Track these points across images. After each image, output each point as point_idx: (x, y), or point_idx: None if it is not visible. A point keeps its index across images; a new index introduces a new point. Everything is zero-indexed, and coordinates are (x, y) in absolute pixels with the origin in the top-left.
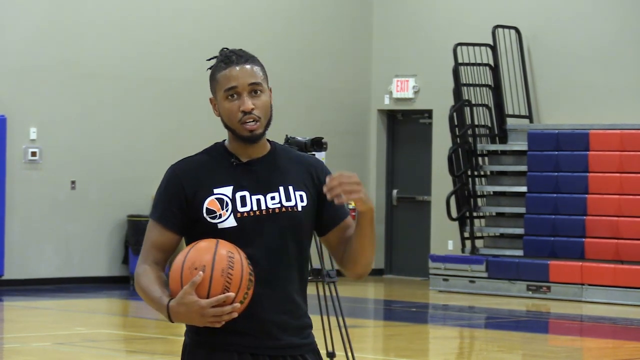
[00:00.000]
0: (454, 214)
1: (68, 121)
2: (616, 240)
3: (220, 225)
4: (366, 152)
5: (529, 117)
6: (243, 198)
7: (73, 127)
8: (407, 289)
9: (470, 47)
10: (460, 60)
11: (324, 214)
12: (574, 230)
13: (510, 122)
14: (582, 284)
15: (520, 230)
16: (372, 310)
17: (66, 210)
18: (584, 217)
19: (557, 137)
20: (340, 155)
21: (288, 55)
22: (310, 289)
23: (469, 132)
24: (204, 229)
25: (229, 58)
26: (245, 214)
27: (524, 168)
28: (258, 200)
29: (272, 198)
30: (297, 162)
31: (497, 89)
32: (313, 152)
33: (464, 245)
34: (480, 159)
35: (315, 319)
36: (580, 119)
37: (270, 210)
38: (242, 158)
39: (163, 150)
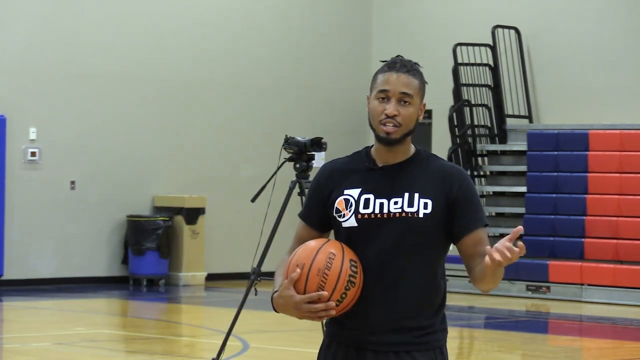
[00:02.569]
0: None
1: (68, 121)
2: (616, 241)
3: (344, 224)
4: None
5: (529, 117)
6: (367, 200)
7: (73, 128)
8: None
9: (470, 47)
10: (459, 60)
11: (455, 224)
12: (574, 230)
13: (509, 122)
14: (582, 284)
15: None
16: None
17: (66, 211)
18: (584, 217)
19: (556, 137)
20: (340, 155)
21: (288, 56)
22: None
23: (469, 132)
24: (335, 227)
25: (394, 64)
26: (366, 216)
27: (523, 168)
28: (381, 204)
29: (395, 203)
30: (435, 171)
31: (496, 89)
32: (312, 152)
33: None
34: (479, 159)
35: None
36: (580, 119)
37: (391, 214)
38: (379, 163)
39: (163, 151)
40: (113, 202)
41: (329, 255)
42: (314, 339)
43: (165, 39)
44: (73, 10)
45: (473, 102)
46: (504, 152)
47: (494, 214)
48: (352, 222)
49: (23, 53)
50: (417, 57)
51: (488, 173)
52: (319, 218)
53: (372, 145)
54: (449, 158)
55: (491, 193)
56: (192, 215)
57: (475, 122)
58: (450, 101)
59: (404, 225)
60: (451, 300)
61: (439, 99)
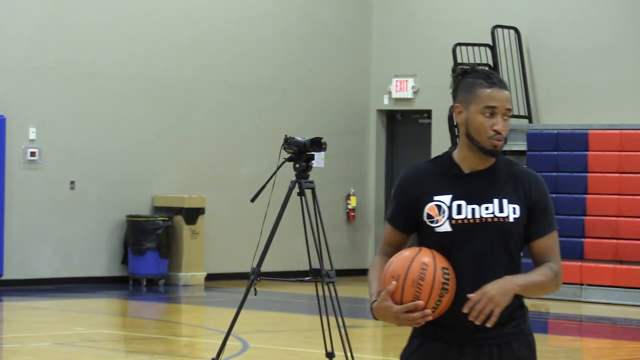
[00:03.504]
0: None
1: (67, 121)
2: (615, 241)
3: (437, 229)
4: (365, 152)
5: (528, 117)
6: (459, 206)
7: (72, 128)
8: None
9: (470, 47)
10: (459, 60)
11: (530, 227)
12: (573, 230)
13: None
14: (582, 284)
15: None
16: None
17: (65, 211)
18: (584, 217)
19: (556, 137)
20: (340, 155)
21: (287, 55)
22: (310, 289)
23: None
24: (425, 231)
25: (490, 78)
26: (460, 221)
27: None
28: (473, 210)
29: (487, 208)
30: (515, 176)
31: None
32: (312, 152)
33: None
34: None
35: (314, 319)
36: (580, 119)
37: (484, 219)
38: (465, 169)
39: (162, 151)
40: (113, 202)
41: (422, 265)
42: (313, 339)
43: (165, 39)
44: (73, 11)
45: None
46: (503, 152)
47: None
48: (446, 228)
49: (23, 53)
50: (417, 57)
51: None
52: (406, 222)
53: (451, 151)
54: None
55: None
56: (192, 215)
57: None
58: (450, 101)
59: (496, 229)
60: None
61: (438, 99)
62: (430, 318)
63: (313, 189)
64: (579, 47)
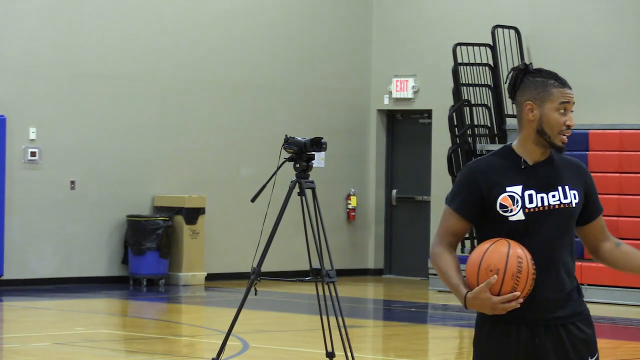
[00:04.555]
0: None
1: (68, 121)
2: None
3: (510, 218)
4: (365, 152)
5: None
6: (530, 196)
7: (73, 128)
8: (407, 289)
9: (470, 47)
10: (459, 60)
11: (586, 210)
12: None
13: (509, 122)
14: (582, 284)
15: None
16: (371, 310)
17: (66, 211)
18: None
19: None
20: (340, 155)
21: (287, 55)
22: (310, 289)
23: (469, 132)
24: (495, 220)
25: (559, 78)
26: (532, 210)
27: None
28: (542, 198)
29: (553, 196)
30: (569, 165)
31: (496, 88)
32: (312, 152)
33: (463, 245)
34: None
35: (314, 319)
36: (580, 119)
37: (552, 206)
38: (529, 161)
39: (163, 151)
40: (113, 202)
41: (518, 259)
42: (314, 339)
43: (165, 40)
44: (73, 11)
45: (473, 102)
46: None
47: None
48: (520, 216)
49: (23, 53)
50: (417, 57)
51: None
52: (474, 212)
53: (510, 145)
54: (449, 158)
55: None
56: (192, 215)
57: (475, 122)
58: (450, 101)
59: (562, 215)
60: (451, 300)
61: (438, 99)
62: (518, 305)
63: (313, 189)
64: (579, 46)
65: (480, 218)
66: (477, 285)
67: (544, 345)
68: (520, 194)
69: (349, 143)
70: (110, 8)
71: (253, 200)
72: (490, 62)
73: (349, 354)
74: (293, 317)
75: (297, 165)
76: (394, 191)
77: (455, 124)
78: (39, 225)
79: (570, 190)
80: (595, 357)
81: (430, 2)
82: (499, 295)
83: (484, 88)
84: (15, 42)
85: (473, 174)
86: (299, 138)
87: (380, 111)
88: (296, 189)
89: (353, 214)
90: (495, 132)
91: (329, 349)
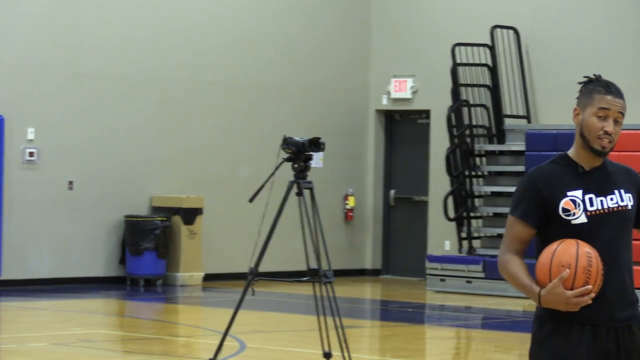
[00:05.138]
0: (452, 214)
1: (66, 121)
2: None
3: (573, 222)
4: (364, 152)
5: (527, 117)
6: (591, 199)
7: (71, 128)
8: (404, 289)
9: (469, 48)
10: (458, 61)
11: (638, 213)
12: None
13: (508, 122)
14: None
15: None
16: (368, 311)
17: (64, 211)
18: None
19: (555, 137)
20: (338, 156)
21: (286, 55)
22: (307, 289)
23: (467, 132)
24: (558, 225)
25: (609, 87)
26: (594, 212)
27: (521, 168)
28: (601, 201)
29: (611, 199)
30: (621, 170)
31: (495, 89)
32: (311, 152)
33: (461, 245)
34: (477, 159)
35: (312, 320)
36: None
37: (611, 209)
38: (585, 167)
39: (160, 151)
40: (111, 202)
41: (587, 254)
42: (311, 339)
43: (163, 40)
44: (71, 11)
45: (471, 102)
46: (502, 152)
47: (492, 214)
48: (582, 219)
49: (21, 54)
50: (416, 57)
51: (486, 173)
52: (537, 217)
53: (566, 152)
54: (447, 158)
55: (489, 193)
56: (190, 215)
57: (474, 122)
58: (448, 101)
59: (620, 216)
60: (448, 300)
61: (437, 99)
62: (590, 301)
63: (311, 189)
64: (578, 47)
65: (543, 224)
66: (550, 283)
67: (605, 346)
68: (582, 198)
69: (347, 143)
70: (108, 8)
71: (251, 200)
72: (489, 63)
73: (346, 354)
74: (290, 317)
75: (296, 166)
76: (392, 191)
77: (454, 124)
78: (37, 226)
79: (625, 193)
80: None
81: (429, 2)
82: (572, 290)
83: (482, 88)
84: (13, 43)
85: (534, 181)
86: (297, 138)
87: (378, 111)
88: (294, 189)
89: (351, 214)
90: (494, 132)
91: (326, 349)
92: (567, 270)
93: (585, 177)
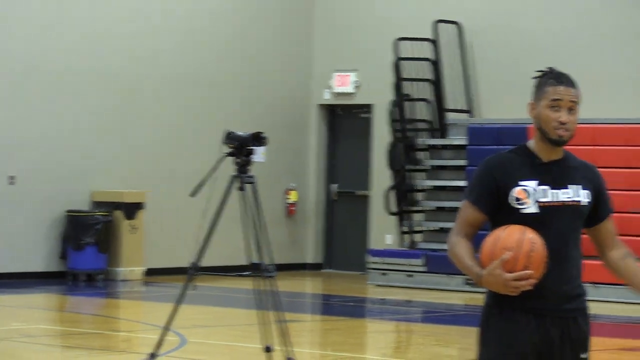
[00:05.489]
0: (393, 208)
1: (6, 116)
2: None
3: (523, 211)
4: (306, 146)
5: (469, 111)
6: (544, 191)
7: (11, 123)
8: (346, 283)
9: (412, 42)
10: (401, 55)
11: (595, 211)
12: None
13: (450, 116)
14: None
15: None
16: (310, 305)
17: (4, 206)
18: None
19: (497, 131)
20: (280, 150)
21: (228, 50)
22: (249, 284)
23: (409, 126)
24: (509, 213)
25: (560, 77)
26: (546, 204)
27: (463, 162)
28: (555, 194)
29: (565, 193)
30: (582, 166)
31: (437, 83)
32: (253, 147)
33: (402, 239)
34: (420, 153)
35: (253, 314)
36: (520, 114)
37: (564, 202)
38: (543, 159)
39: (102, 146)
40: (52, 197)
41: (531, 241)
42: (252, 333)
43: (104, 32)
44: (16, 6)
45: (414, 97)
46: (444, 147)
47: (433, 208)
48: (533, 209)
49: None
50: (359, 51)
51: (428, 167)
52: (489, 204)
53: (526, 144)
54: (389, 152)
55: (431, 187)
56: (131, 210)
57: (416, 117)
58: (391, 96)
59: (573, 211)
60: (389, 294)
61: (379, 94)
62: (530, 287)
63: (253, 184)
64: (520, 41)
65: (495, 210)
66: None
67: (550, 335)
68: (535, 188)
69: (289, 138)
70: (54, 4)
71: (193, 194)
72: (432, 57)
73: (287, 348)
74: (232, 311)
75: (238, 160)
76: (334, 185)
77: (396, 118)
78: None
79: (582, 189)
80: (586, 354)
81: None
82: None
83: (425, 83)
84: None
85: (490, 168)
86: (239, 133)
87: (321, 106)
88: (236, 184)
89: (293, 208)
90: (436, 127)
91: (268, 344)
92: (509, 252)
93: (541, 169)
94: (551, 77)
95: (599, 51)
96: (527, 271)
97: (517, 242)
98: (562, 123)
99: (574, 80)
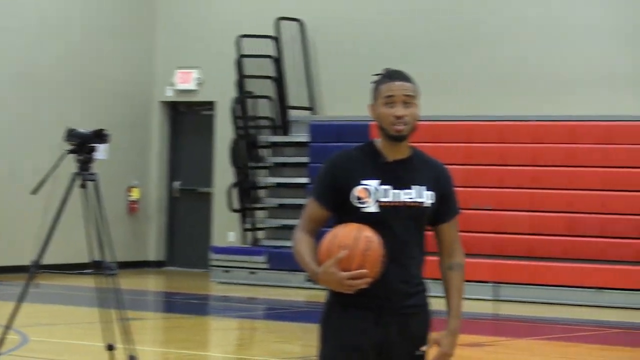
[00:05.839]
0: (236, 205)
1: None
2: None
3: (364, 210)
4: (148, 144)
5: (311, 108)
6: (385, 191)
7: None
8: (188, 280)
9: (254, 39)
10: (243, 52)
11: (439, 212)
12: None
13: (292, 113)
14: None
15: None
16: (152, 303)
17: None
18: None
19: (338, 128)
20: (123, 148)
21: (69, 46)
22: (91, 282)
23: (251, 123)
24: (350, 211)
25: (391, 74)
26: (386, 204)
27: (305, 159)
28: (397, 194)
29: (408, 194)
30: (429, 166)
31: (279, 80)
32: (95, 144)
33: (245, 236)
34: (262, 150)
35: (95, 312)
36: (362, 111)
37: (405, 203)
38: (388, 157)
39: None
40: None
41: (368, 239)
42: (94, 331)
43: None
44: None
45: (256, 94)
46: (286, 144)
47: (276, 205)
48: (373, 209)
49: None
50: (201, 48)
51: (270, 164)
52: (332, 201)
53: (373, 141)
54: (232, 149)
55: (274, 184)
56: None
57: (258, 114)
58: (233, 93)
59: (415, 212)
60: (232, 292)
61: (222, 91)
62: (366, 285)
63: (95, 181)
64: (361, 39)
65: (338, 208)
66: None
67: (387, 331)
68: (376, 188)
69: (132, 135)
70: None
71: (34, 192)
72: (275, 54)
73: (129, 346)
74: (74, 309)
75: (79, 158)
76: (177, 183)
77: (239, 115)
78: None
79: (426, 190)
80: (425, 351)
81: None
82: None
83: (267, 80)
84: None
85: (333, 166)
86: (81, 130)
87: (163, 103)
88: (78, 182)
89: (135, 206)
90: (278, 124)
91: (110, 342)
92: (344, 251)
93: (384, 168)
94: (385, 76)
95: (442, 49)
96: (361, 270)
97: (353, 240)
98: (398, 117)
99: (408, 76)
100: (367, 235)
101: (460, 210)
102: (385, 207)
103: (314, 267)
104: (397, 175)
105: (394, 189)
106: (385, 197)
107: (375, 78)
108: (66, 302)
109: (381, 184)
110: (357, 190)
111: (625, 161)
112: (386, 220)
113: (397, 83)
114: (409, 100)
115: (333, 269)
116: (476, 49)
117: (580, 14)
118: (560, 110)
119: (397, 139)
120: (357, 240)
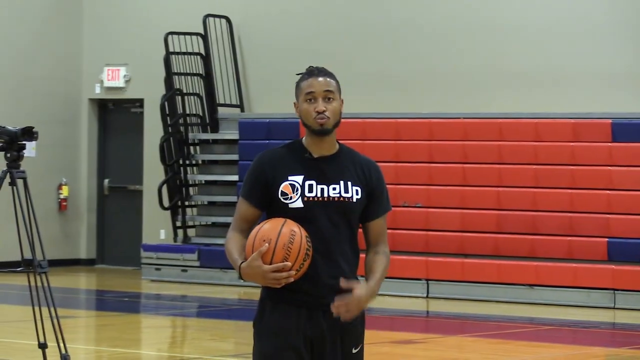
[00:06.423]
0: (166, 203)
1: None
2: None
3: (290, 205)
4: (77, 141)
5: (240, 106)
6: (310, 186)
7: None
8: (119, 278)
9: (182, 36)
10: (171, 49)
11: (369, 209)
12: None
13: (221, 111)
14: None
15: (231, 219)
16: (84, 301)
17: None
18: None
19: (267, 126)
20: (52, 145)
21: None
22: (22, 280)
23: (181, 121)
24: (278, 207)
25: (312, 72)
26: (311, 199)
27: (235, 157)
28: (322, 189)
29: (334, 189)
30: (357, 163)
31: (208, 77)
32: (24, 142)
33: (176, 234)
34: (191, 148)
35: (27, 310)
36: (291, 108)
37: (331, 198)
38: (314, 154)
39: None
40: None
41: (291, 232)
42: (26, 330)
43: None
44: None
45: (185, 91)
46: (215, 141)
47: (206, 202)
48: (298, 204)
49: None
50: (129, 45)
51: (200, 162)
52: (260, 198)
53: (301, 139)
54: (161, 147)
55: (203, 182)
56: None
57: (188, 111)
58: (162, 90)
59: (341, 207)
60: (164, 289)
61: (150, 88)
62: (292, 279)
63: (24, 179)
64: (289, 36)
65: (267, 205)
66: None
67: (320, 327)
68: (301, 183)
69: (61, 132)
70: None
71: None
72: (202, 52)
73: (61, 344)
74: (5, 308)
75: (8, 155)
76: (106, 180)
77: (167, 113)
78: None
79: (352, 186)
80: (359, 348)
81: None
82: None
83: (195, 77)
84: None
85: (261, 164)
86: (9, 127)
87: (91, 100)
88: (7, 179)
89: (65, 203)
90: (207, 121)
91: (42, 340)
92: (267, 244)
93: (310, 164)
94: (305, 74)
95: (371, 46)
96: (285, 263)
97: (276, 233)
98: (319, 112)
99: (328, 72)
100: (292, 229)
101: (391, 208)
102: (311, 202)
103: (238, 262)
104: (323, 170)
105: (319, 184)
106: (310, 192)
107: (299, 77)
108: None
109: (306, 179)
110: (283, 186)
111: (551, 159)
112: (312, 215)
113: (318, 79)
114: (329, 95)
115: (257, 262)
116: (405, 45)
117: (514, 8)
118: (485, 107)
119: (320, 133)
120: (280, 234)
